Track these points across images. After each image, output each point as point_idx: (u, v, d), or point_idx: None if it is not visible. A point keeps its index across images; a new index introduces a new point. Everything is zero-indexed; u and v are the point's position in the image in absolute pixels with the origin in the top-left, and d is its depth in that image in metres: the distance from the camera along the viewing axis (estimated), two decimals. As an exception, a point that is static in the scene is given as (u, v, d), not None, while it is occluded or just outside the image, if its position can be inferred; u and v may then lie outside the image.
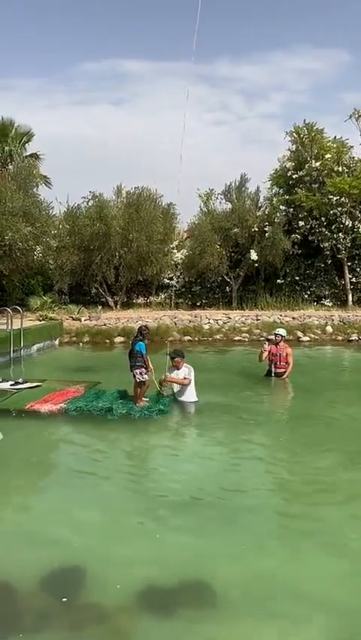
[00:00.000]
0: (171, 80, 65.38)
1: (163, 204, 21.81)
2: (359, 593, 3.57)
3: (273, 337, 10.07)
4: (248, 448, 6.50)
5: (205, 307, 22.09)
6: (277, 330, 10.42)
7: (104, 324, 17.69)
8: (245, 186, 22.46)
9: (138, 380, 7.68)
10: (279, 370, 9.85)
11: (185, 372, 8.34)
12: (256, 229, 21.10)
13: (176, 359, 8.32)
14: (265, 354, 9.85)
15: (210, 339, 17.00)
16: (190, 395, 8.29)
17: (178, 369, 8.32)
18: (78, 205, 21.73)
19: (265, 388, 9.44)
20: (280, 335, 10.05)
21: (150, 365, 7.88)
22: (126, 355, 7.91)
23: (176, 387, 8.34)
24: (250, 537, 4.22)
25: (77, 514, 4.61)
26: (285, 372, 9.86)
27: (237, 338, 17.10)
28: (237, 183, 22.43)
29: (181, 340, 16.79)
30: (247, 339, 17.03)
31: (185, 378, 8.29)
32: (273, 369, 9.86)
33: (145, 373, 7.69)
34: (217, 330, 17.48)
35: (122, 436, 6.92)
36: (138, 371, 7.65)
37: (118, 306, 22.03)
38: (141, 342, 7.68)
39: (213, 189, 22.64)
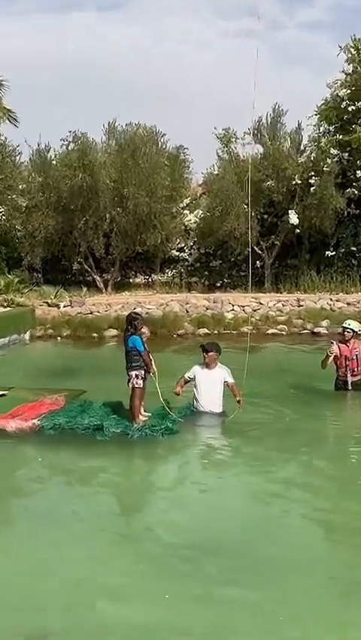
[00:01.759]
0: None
1: (169, 148, 21.77)
2: None
3: (342, 333, 9.45)
4: (287, 485, 6.45)
5: (228, 289, 22.04)
6: (347, 322, 9.69)
7: (91, 313, 17.76)
8: (281, 123, 22.28)
9: (132, 386, 7.70)
10: (356, 378, 9.30)
11: (222, 374, 8.35)
12: (298, 182, 20.91)
13: (210, 353, 8.28)
14: (331, 358, 9.23)
15: (234, 332, 16.97)
16: (216, 403, 8.32)
17: (210, 369, 8.33)
18: (54, 149, 21.78)
19: (326, 404, 9.29)
20: (352, 330, 9.38)
21: (154, 366, 7.90)
22: (123, 354, 7.94)
23: (205, 397, 8.30)
24: (283, 604, 4.18)
25: (50, 573, 4.61)
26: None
27: (271, 331, 17.08)
28: (270, 119, 22.23)
29: (195, 334, 16.81)
30: (284, 333, 17.00)
31: (225, 382, 8.30)
32: (347, 378, 9.29)
33: (142, 377, 7.70)
34: (244, 321, 17.42)
35: (116, 465, 6.94)
36: (133, 373, 7.67)
37: (109, 288, 22.10)
38: (134, 336, 7.68)
39: (231, 128, 22.43)
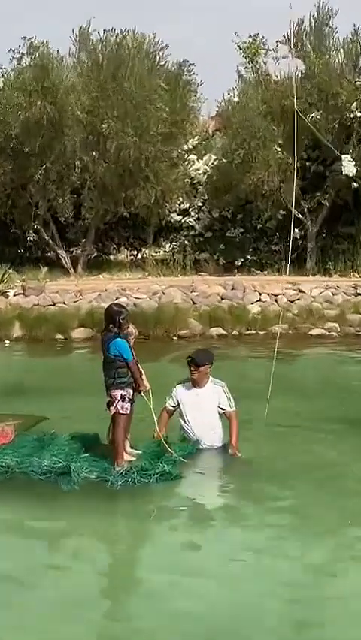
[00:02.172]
0: None
1: (169, 65, 21.73)
2: None
3: None
4: (333, 547, 6.46)
5: (252, 271, 22.03)
6: None
7: (53, 304, 17.78)
8: (331, 27, 22.25)
9: (114, 412, 7.67)
10: None
11: (217, 393, 8.45)
12: (358, 113, 20.86)
13: (202, 367, 8.37)
14: None
15: (261, 332, 16.97)
16: (214, 432, 8.45)
17: (200, 387, 8.43)
18: (1, 67, 21.75)
19: None
20: None
21: (145, 381, 7.89)
22: (100, 365, 7.92)
23: (197, 429, 8.41)
24: None
25: None
26: None
27: (315, 331, 17.12)
28: (313, 22, 22.20)
29: (205, 335, 16.85)
30: (335, 334, 17.02)
31: (222, 409, 8.40)
32: None
33: (129, 399, 7.68)
34: (277, 317, 17.38)
35: (88, 527, 6.90)
36: (116, 393, 7.65)
37: (80, 268, 22.09)
38: (118, 339, 7.66)
39: (261, 36, 22.37)
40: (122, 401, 7.63)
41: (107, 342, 7.72)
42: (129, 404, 7.69)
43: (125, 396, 7.64)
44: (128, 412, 7.71)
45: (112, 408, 7.67)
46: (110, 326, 7.72)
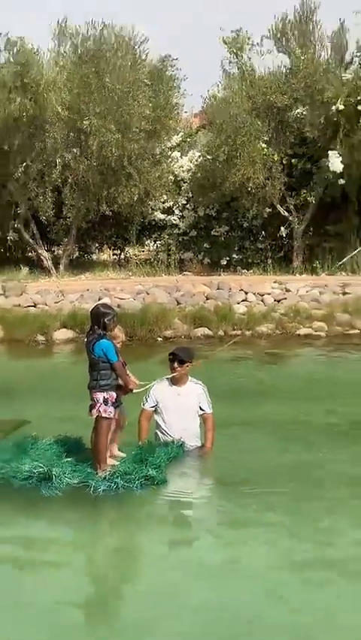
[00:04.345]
0: None
1: (151, 59, 21.74)
2: None
3: None
4: (321, 554, 6.45)
5: (238, 270, 22.06)
6: None
7: (34, 305, 17.79)
8: (314, 21, 22.34)
9: (97, 415, 7.64)
10: None
11: (197, 393, 8.48)
12: (342, 107, 20.92)
13: (186, 364, 8.40)
14: None
15: (248, 333, 16.97)
16: (192, 433, 8.47)
17: (180, 385, 8.45)
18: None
19: None
20: None
21: (134, 379, 7.89)
22: (85, 367, 7.90)
23: (177, 430, 8.40)
24: None
25: None
26: None
27: (303, 331, 17.12)
28: (297, 16, 22.28)
29: (191, 336, 16.84)
30: (323, 334, 17.07)
31: (202, 411, 8.43)
32: None
33: (112, 402, 7.65)
34: (264, 317, 17.45)
35: (72, 533, 6.89)
36: (98, 396, 7.61)
37: (62, 268, 22.07)
38: (103, 340, 7.63)
39: (245, 30, 22.46)
40: (105, 404, 7.58)
41: (91, 344, 7.68)
42: (113, 408, 7.65)
43: (108, 399, 7.59)
44: (111, 415, 7.65)
45: (94, 411, 7.63)
46: (96, 327, 7.68)
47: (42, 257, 22.26)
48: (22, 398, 11.57)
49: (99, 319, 7.66)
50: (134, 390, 7.89)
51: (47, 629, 5.39)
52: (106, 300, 16.19)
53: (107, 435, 7.69)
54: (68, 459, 7.91)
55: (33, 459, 7.83)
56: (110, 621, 5.67)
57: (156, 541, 6.89)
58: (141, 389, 8.07)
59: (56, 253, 22.88)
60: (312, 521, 7.08)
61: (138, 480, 7.50)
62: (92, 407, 7.65)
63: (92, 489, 7.42)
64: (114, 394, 7.66)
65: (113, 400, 7.67)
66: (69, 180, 21.46)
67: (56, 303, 17.76)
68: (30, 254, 23.10)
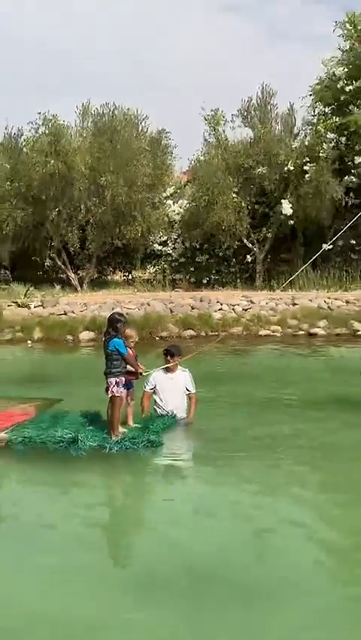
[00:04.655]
0: None
1: (151, 132, 21.76)
2: None
3: None
4: (282, 495, 6.44)
5: (216, 287, 22.04)
6: None
7: (65, 313, 17.64)
8: (272, 104, 22.41)
9: (111, 395, 7.62)
10: None
11: (185, 378, 8.44)
12: (292, 168, 20.95)
13: (176, 357, 8.38)
14: None
15: (222, 333, 16.95)
16: (183, 409, 8.43)
17: (173, 373, 8.42)
18: (21, 132, 21.66)
19: (326, 411, 9.16)
20: None
21: (142, 367, 7.93)
22: (102, 359, 7.89)
23: (170, 406, 8.37)
24: (288, 629, 4.18)
25: (25, 606, 4.53)
26: None
27: (263, 332, 17.07)
28: (259, 100, 22.37)
29: (181, 336, 16.75)
30: (278, 334, 17.00)
31: (188, 391, 8.40)
32: None
33: (122, 384, 7.62)
34: (234, 322, 17.42)
35: (92, 482, 6.86)
36: (111, 380, 7.58)
37: (85, 286, 22.00)
38: (116, 339, 7.61)
39: (220, 110, 22.53)
40: (117, 386, 7.58)
41: (107, 341, 7.68)
42: (123, 388, 7.64)
43: (119, 382, 7.57)
44: (122, 394, 7.65)
45: (109, 392, 7.63)
46: (111, 330, 7.68)
47: (70, 278, 22.20)
48: (55, 382, 11.55)
49: (114, 324, 7.65)
50: (143, 374, 7.99)
51: (66, 542, 5.39)
52: (118, 310, 16.16)
53: (119, 409, 7.66)
54: (90, 427, 7.88)
55: (63, 427, 7.79)
56: (112, 534, 5.67)
57: (153, 487, 6.93)
58: (146, 373, 8.14)
59: (80, 275, 22.80)
60: (272, 477, 6.98)
61: (141, 443, 7.47)
62: (107, 389, 7.64)
63: (107, 449, 7.39)
64: (123, 379, 7.65)
65: (123, 383, 7.66)
66: (90, 221, 21.41)
67: (81, 312, 17.67)
68: (61, 275, 23.02)
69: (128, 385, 7.81)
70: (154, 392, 8.43)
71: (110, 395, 7.62)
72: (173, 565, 5.05)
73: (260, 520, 5.96)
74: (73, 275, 22.28)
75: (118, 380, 7.57)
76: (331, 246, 21.32)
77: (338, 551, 5.38)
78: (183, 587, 4.73)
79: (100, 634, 4.25)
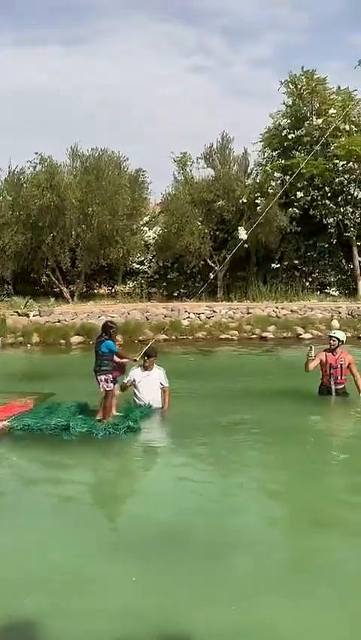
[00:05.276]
0: (139, 14, 64.94)
1: (130, 170, 21.73)
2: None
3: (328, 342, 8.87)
4: (242, 472, 6.46)
5: (184, 298, 22.06)
6: (333, 331, 9.05)
7: (58, 321, 17.50)
8: (230, 148, 22.54)
9: (102, 390, 7.56)
10: (339, 386, 8.80)
11: (160, 374, 8.41)
12: (246, 201, 21.10)
13: (151, 358, 8.40)
14: (314, 363, 8.71)
15: (190, 337, 16.97)
16: (158, 400, 8.38)
17: (149, 371, 8.38)
18: (22, 170, 21.46)
19: (277, 401, 9.13)
20: (337, 339, 8.80)
21: (132, 356, 8.03)
22: (93, 359, 7.82)
23: (147, 398, 8.31)
24: (242, 580, 4.21)
25: (28, 560, 4.51)
26: (345, 386, 8.83)
27: (223, 336, 17.12)
28: (219, 144, 22.52)
29: (155, 340, 16.65)
30: (235, 338, 17.07)
31: (162, 386, 8.38)
32: (331, 385, 8.80)
33: (111, 380, 7.58)
34: (199, 327, 17.46)
35: (82, 461, 6.80)
36: (102, 377, 7.52)
37: (75, 298, 21.82)
38: (108, 341, 7.59)
39: (187, 152, 22.66)
40: (107, 382, 7.57)
41: (100, 344, 7.66)
42: (112, 384, 7.63)
43: (108, 379, 7.58)
44: (112, 389, 7.64)
45: (100, 387, 7.60)
46: (104, 334, 7.68)
47: (63, 291, 21.99)
48: (50, 379, 11.40)
49: (107, 329, 7.70)
50: (136, 360, 8.16)
51: (56, 513, 5.32)
52: (102, 318, 16.05)
53: (111, 400, 7.67)
54: (79, 416, 7.82)
55: (57, 417, 7.71)
56: (94, 503, 5.60)
57: (132, 465, 6.92)
58: (138, 357, 8.20)
59: (71, 289, 22.61)
60: (232, 456, 6.96)
61: (122, 429, 7.42)
62: (99, 384, 7.63)
63: (94, 435, 7.34)
64: (111, 376, 7.63)
65: (112, 379, 7.64)
66: (80, 244, 21.28)
67: (72, 320, 17.53)
68: (56, 289, 22.78)
69: (114, 381, 7.78)
70: (134, 386, 8.37)
71: (103, 390, 7.61)
72: (146, 529, 5.03)
73: (220, 492, 5.97)
74: (65, 289, 22.08)
75: (107, 377, 7.57)
76: (278, 265, 21.63)
77: (284, 517, 5.43)
78: (154, 546, 4.71)
79: (80, 584, 4.20)
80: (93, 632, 3.70)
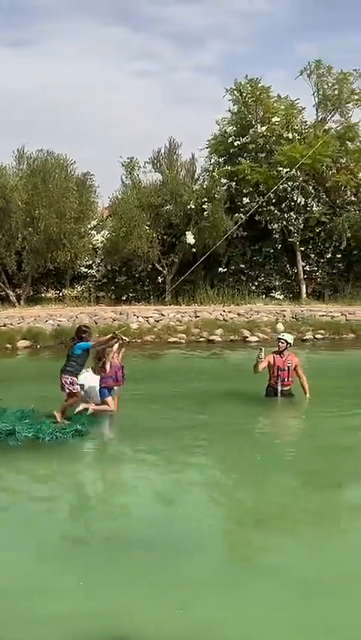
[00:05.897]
0: (86, 17, 64.53)
1: (77, 174, 21.47)
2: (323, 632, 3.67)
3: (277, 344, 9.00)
4: (189, 474, 6.50)
5: (133, 302, 21.95)
6: (281, 334, 9.33)
7: (4, 325, 17.10)
8: (177, 154, 22.61)
9: (67, 391, 7.59)
10: (286, 388, 8.97)
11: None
12: (193, 206, 21.22)
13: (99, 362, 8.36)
14: (262, 365, 8.85)
15: (138, 340, 16.90)
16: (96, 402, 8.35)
17: (96, 374, 8.33)
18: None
19: (225, 403, 9.24)
20: (285, 341, 8.98)
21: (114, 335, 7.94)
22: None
23: (96, 399, 8.27)
24: (189, 581, 4.23)
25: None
26: (291, 388, 9.03)
27: (172, 339, 17.14)
28: (166, 150, 22.51)
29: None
30: (183, 341, 17.13)
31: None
32: (278, 387, 8.94)
33: (76, 383, 7.60)
34: (148, 330, 17.41)
35: (27, 467, 6.71)
36: (66, 379, 7.54)
37: (22, 302, 21.34)
38: (82, 342, 7.70)
39: (135, 157, 22.60)
40: (72, 385, 7.61)
41: (74, 346, 7.72)
42: (77, 386, 7.70)
43: (73, 381, 7.65)
44: (77, 390, 7.68)
45: (66, 389, 7.64)
46: (77, 337, 7.81)
47: (9, 295, 21.47)
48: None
49: (80, 333, 7.83)
50: (119, 335, 8.11)
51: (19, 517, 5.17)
52: (50, 322, 15.77)
53: (73, 402, 7.67)
54: (26, 421, 7.66)
55: (2, 421, 7.52)
56: (40, 507, 5.48)
57: (79, 469, 6.90)
58: (121, 330, 8.32)
59: (18, 293, 22.09)
60: (180, 457, 7.04)
61: (70, 432, 7.33)
62: (62, 387, 7.61)
63: (40, 439, 7.20)
64: (76, 378, 7.64)
65: (76, 383, 7.62)
66: (26, 247, 20.83)
67: (18, 324, 17.16)
68: (1, 293, 22.21)
69: (110, 391, 7.93)
70: (82, 389, 8.25)
71: (67, 392, 7.58)
72: (90, 533, 4.98)
73: (167, 494, 5.98)
74: (11, 292, 21.56)
75: (72, 379, 7.58)
76: (225, 269, 21.84)
77: (229, 518, 5.49)
78: (100, 549, 4.70)
79: (26, 590, 4.09)
80: (41, 638, 3.61)
